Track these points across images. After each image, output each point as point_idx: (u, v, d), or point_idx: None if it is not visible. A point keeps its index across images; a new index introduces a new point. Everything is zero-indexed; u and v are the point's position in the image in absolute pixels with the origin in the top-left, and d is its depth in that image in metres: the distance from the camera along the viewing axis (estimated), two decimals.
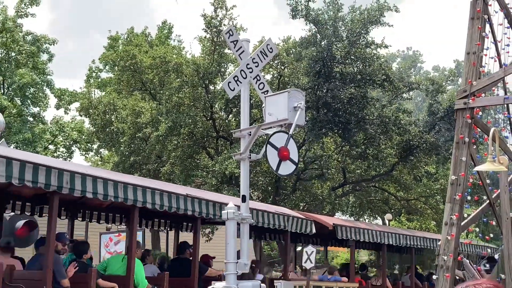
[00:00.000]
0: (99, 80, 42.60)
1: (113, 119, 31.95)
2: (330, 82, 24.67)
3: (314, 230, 16.00)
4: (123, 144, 29.69)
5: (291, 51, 28.50)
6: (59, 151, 38.49)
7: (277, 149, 7.41)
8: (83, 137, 38.08)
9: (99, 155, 41.50)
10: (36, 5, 35.79)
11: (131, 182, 10.88)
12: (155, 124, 27.56)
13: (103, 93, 38.56)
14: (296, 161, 7.64)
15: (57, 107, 39.05)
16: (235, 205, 7.77)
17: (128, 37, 37.57)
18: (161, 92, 29.21)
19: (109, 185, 10.20)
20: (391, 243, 18.86)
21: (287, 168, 7.57)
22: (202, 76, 26.70)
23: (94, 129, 33.54)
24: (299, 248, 24.41)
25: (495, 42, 14.00)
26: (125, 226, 18.94)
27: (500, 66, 13.84)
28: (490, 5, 13.67)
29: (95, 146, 39.37)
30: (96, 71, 43.12)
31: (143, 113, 28.69)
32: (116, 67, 33.41)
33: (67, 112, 39.39)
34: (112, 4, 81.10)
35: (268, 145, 7.37)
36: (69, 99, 38.91)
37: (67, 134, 37.87)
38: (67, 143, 38.61)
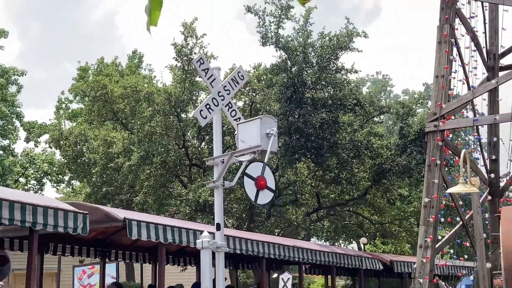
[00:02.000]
0: (69, 111, 42.29)
1: (84, 150, 31.68)
2: (302, 108, 24.79)
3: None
4: (95, 174, 29.41)
5: (262, 78, 28.64)
6: (29, 183, 37.98)
7: (253, 179, 7.41)
8: (54, 169, 37.64)
9: (70, 187, 41.03)
10: (4, 37, 35.53)
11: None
12: (127, 154, 27.37)
13: (74, 124, 38.25)
14: (274, 189, 7.67)
15: (27, 140, 38.62)
16: (209, 233, 7.71)
17: (98, 67, 37.44)
18: (133, 121, 29.09)
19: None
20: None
21: (265, 197, 7.57)
22: (173, 104, 26.66)
23: (65, 161, 33.18)
24: (275, 275, 24.26)
25: (463, 65, 14.23)
26: (98, 259, 18.64)
27: (469, 88, 14.05)
28: (457, 29, 13.92)
29: (66, 178, 38.91)
30: (66, 102, 42.81)
31: (114, 143, 28.51)
32: (87, 98, 33.22)
33: (37, 145, 38.97)
34: (82, 32, 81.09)
35: (244, 176, 7.38)
36: (38, 132, 38.50)
37: (37, 166, 37.42)
38: (38, 175, 38.12)
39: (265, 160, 7.52)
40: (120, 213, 11.56)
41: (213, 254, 7.74)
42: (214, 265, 7.85)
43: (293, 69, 25.46)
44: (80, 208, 10.40)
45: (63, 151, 32.63)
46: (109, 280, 20.47)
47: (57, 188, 40.48)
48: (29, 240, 9.64)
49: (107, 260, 15.36)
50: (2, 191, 9.89)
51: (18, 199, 9.18)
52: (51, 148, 34.89)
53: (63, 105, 42.73)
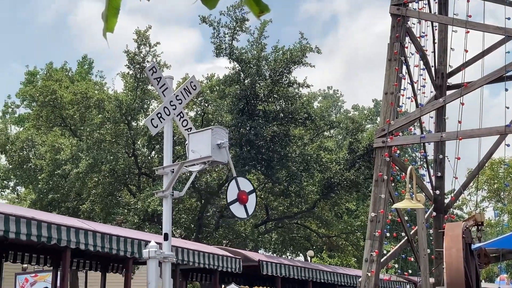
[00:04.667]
0: (16, 115, 41.44)
1: (31, 156, 31.03)
2: (254, 120, 24.89)
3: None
4: (41, 181, 28.82)
5: (215, 89, 28.63)
6: None
7: (236, 200, 7.56)
8: None
9: (15, 193, 40.11)
10: None
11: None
12: (75, 161, 26.93)
13: (21, 129, 37.47)
14: (252, 188, 8.03)
15: None
16: (157, 243, 7.66)
17: (48, 72, 36.82)
18: (82, 128, 28.67)
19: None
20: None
21: (252, 203, 7.80)
22: (124, 112, 26.41)
23: (11, 166, 32.43)
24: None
25: (412, 83, 14.53)
26: (41, 266, 18.27)
27: (417, 106, 14.34)
28: (407, 47, 14.21)
29: (11, 184, 38.02)
30: (12, 107, 41.96)
31: (62, 150, 28.02)
32: (35, 103, 32.60)
33: None
34: (31, 33, 79.55)
35: (229, 206, 7.54)
36: None
37: None
38: None
39: (234, 174, 7.72)
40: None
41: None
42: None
43: (246, 81, 25.56)
44: None
45: (8, 156, 31.88)
46: None
47: (1, 194, 39.54)
48: None
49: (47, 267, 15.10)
50: None
51: None
52: None
53: (10, 110, 41.87)
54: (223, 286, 23.22)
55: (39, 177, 29.07)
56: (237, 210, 7.53)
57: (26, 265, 16.57)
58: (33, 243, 10.79)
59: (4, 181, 37.60)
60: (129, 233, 13.56)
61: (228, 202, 7.50)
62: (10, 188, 39.06)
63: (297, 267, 18.65)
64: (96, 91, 30.06)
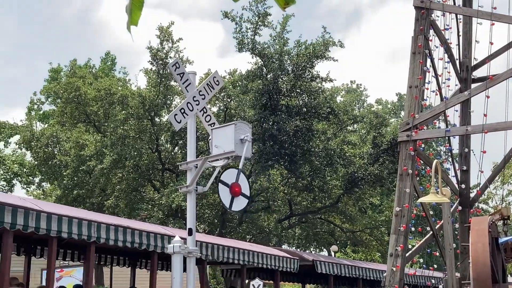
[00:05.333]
0: (41, 112, 41.86)
1: (56, 152, 31.32)
2: (276, 115, 24.85)
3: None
4: (66, 177, 29.09)
5: (237, 84, 28.64)
6: None
7: (228, 186, 7.41)
8: (25, 170, 37.15)
9: (41, 189, 40.54)
10: None
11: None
12: (100, 157, 27.13)
13: (46, 126, 37.84)
14: (248, 195, 7.68)
15: None
16: (181, 238, 7.67)
17: (71, 69, 37.14)
18: (106, 124, 28.86)
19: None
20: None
21: (239, 204, 7.58)
22: (147, 108, 26.53)
23: (36, 162, 32.78)
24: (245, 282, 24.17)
25: (436, 76, 14.38)
26: (67, 262, 18.45)
27: (441, 99, 14.20)
28: (431, 40, 14.06)
29: (37, 180, 38.44)
30: (37, 103, 42.39)
31: (87, 146, 28.23)
32: (60, 99, 32.88)
33: (7, 145, 38.46)
34: (56, 30, 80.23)
35: (219, 183, 7.38)
36: (9, 132, 38.00)
37: (7, 167, 36.88)
38: (8, 176, 37.58)
39: (240, 167, 7.52)
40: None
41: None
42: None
43: (268, 76, 25.52)
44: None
45: (34, 153, 32.22)
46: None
47: (27, 190, 39.98)
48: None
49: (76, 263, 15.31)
50: None
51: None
52: (21, 149, 34.43)
53: (35, 106, 42.31)
54: (247, 280, 23.29)
55: (64, 173, 29.35)
56: (224, 194, 7.44)
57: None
58: (62, 239, 10.90)
59: (30, 177, 38.05)
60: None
61: (220, 180, 7.39)
62: (36, 184, 39.52)
63: (348, 265, 19.60)
64: (119, 88, 30.25)
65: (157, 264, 13.22)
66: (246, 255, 15.27)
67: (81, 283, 21.02)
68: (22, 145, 32.88)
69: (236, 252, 14.97)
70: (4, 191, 36.41)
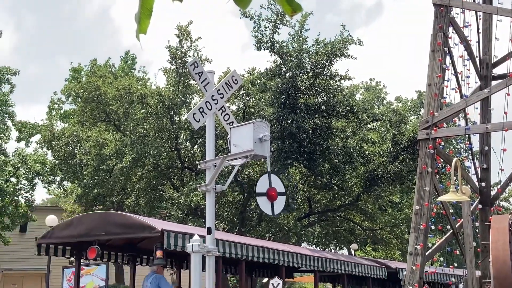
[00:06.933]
0: (62, 111, 42.18)
1: (76, 151, 31.57)
2: (295, 113, 24.82)
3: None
4: (87, 176, 29.32)
5: (256, 82, 28.64)
6: (21, 183, 37.75)
7: (264, 194, 7.45)
8: (46, 169, 37.46)
9: (62, 188, 40.86)
10: None
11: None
12: (119, 156, 27.31)
13: (66, 125, 38.14)
14: (284, 191, 7.74)
15: (18, 140, 38.48)
16: (200, 236, 7.71)
17: (91, 68, 37.40)
18: (126, 123, 29.03)
19: None
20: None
21: (279, 205, 7.66)
22: (167, 107, 26.64)
23: (57, 161, 33.06)
24: (265, 280, 24.24)
25: (456, 73, 14.29)
26: (87, 260, 18.56)
27: (461, 97, 14.11)
28: (450, 38, 13.97)
29: (58, 179, 38.74)
30: (58, 103, 42.73)
31: (107, 145, 28.43)
32: (80, 99, 33.14)
33: (28, 145, 38.80)
34: (77, 29, 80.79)
35: (256, 196, 7.46)
36: (30, 132, 38.37)
37: (29, 167, 37.20)
38: (30, 176, 37.89)
39: (268, 169, 7.59)
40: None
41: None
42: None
43: (287, 74, 25.50)
44: None
45: (54, 152, 32.51)
46: (97, 283, 20.35)
47: (48, 189, 40.32)
48: None
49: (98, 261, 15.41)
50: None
51: None
52: (42, 148, 34.74)
53: (56, 106, 42.64)
54: (266, 279, 23.31)
55: (84, 172, 29.58)
56: (264, 204, 7.50)
57: (73, 258, 16.86)
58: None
59: (51, 176, 38.35)
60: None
61: (256, 193, 7.46)
62: (56, 183, 39.83)
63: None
64: (139, 87, 30.42)
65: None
66: (329, 263, 17.42)
67: (103, 282, 21.20)
68: (43, 144, 33.20)
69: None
70: (26, 190, 36.72)
